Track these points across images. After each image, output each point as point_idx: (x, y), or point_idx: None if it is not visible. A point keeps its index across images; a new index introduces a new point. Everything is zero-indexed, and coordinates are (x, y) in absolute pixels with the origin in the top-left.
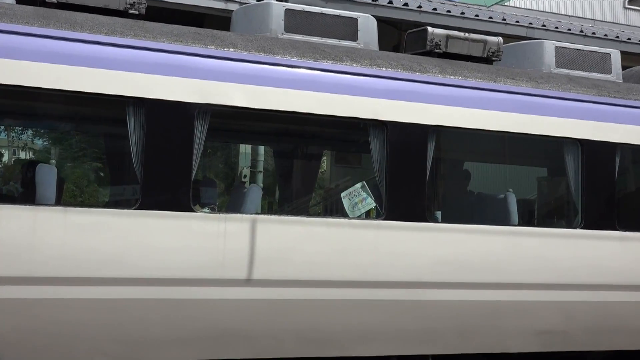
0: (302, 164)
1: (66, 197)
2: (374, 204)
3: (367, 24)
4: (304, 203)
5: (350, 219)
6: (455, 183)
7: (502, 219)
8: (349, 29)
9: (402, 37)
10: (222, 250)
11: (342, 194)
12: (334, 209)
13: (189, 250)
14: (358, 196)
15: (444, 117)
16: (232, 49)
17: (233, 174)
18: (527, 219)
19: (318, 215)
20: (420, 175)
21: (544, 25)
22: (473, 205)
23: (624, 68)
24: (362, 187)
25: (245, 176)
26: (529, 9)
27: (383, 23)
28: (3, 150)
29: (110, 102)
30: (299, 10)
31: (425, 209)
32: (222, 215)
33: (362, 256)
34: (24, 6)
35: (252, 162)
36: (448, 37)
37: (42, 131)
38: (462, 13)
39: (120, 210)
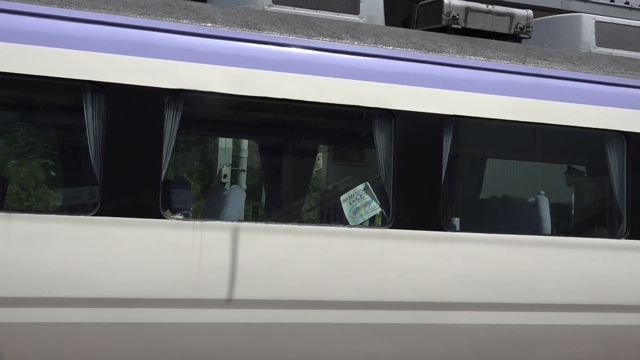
0: (293, 162)
1: (10, 201)
2: (380, 209)
3: None
4: (295, 208)
5: (351, 227)
6: (476, 184)
7: (532, 227)
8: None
9: (413, 10)
10: (198, 264)
11: (342, 198)
12: (332, 216)
13: (157, 264)
14: (360, 200)
15: (463, 105)
16: (209, 24)
17: (211, 173)
18: (562, 227)
19: (312, 222)
20: (435, 175)
21: None
22: (498, 210)
23: None
24: (365, 189)
25: (225, 176)
26: None
27: None
28: None
29: (64, 87)
30: None
31: (441, 215)
32: (197, 222)
33: (365, 272)
34: None
35: (233, 160)
36: (468, 9)
37: None
38: None
39: (74, 217)
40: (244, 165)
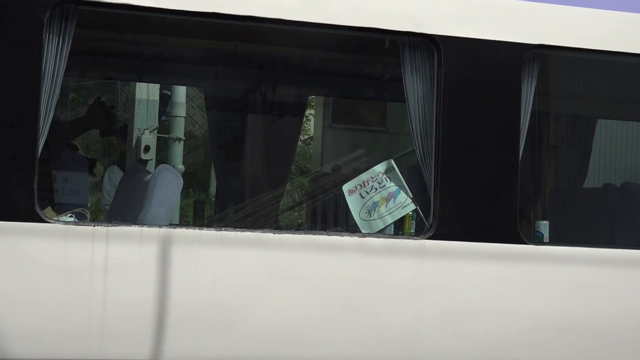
0: (266, 124)
1: None
2: (413, 206)
3: None
4: (269, 205)
5: (363, 236)
6: (578, 164)
7: None
8: None
9: None
10: (100, 299)
11: (347, 187)
12: (331, 217)
13: (25, 300)
14: (379, 190)
15: (557, 29)
16: None
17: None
18: None
19: (297, 229)
20: (508, 148)
21: None
22: (615, 208)
23: None
24: (388, 171)
25: (146, 149)
26: None
27: None
28: None
29: None
30: None
31: (518, 216)
32: (100, 228)
33: (386, 313)
34: None
35: (161, 121)
36: None
37: None
38: None
39: None
40: (180, 130)
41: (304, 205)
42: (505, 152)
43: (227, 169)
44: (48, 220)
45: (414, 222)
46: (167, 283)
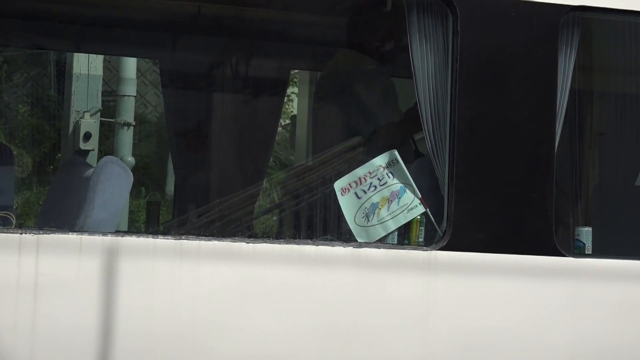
0: (237, 106)
1: None
2: (421, 209)
3: None
4: (241, 206)
5: (360, 246)
6: (630, 157)
7: None
8: None
9: None
10: (26, 325)
11: (339, 183)
12: (318, 221)
13: None
14: (380, 189)
15: None
16: None
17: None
18: None
19: (277, 236)
20: (541, 138)
21: None
22: None
23: None
24: (391, 164)
25: (87, 136)
26: None
27: None
28: None
29: None
30: None
31: (553, 222)
32: (27, 235)
33: (388, 342)
34: None
35: (105, 103)
36: None
37: None
38: None
39: None
40: (128, 113)
41: (285, 207)
42: (537, 141)
43: (189, 162)
44: None
45: (422, 228)
46: (113, 306)
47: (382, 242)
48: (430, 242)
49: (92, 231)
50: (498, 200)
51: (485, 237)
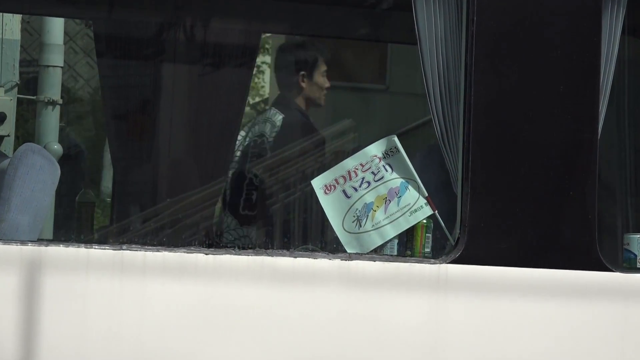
0: (193, 80)
1: None
2: (428, 211)
3: None
4: (198, 208)
5: (349, 258)
6: None
7: None
8: None
9: None
10: None
11: (321, 180)
12: (297, 227)
13: None
14: (375, 185)
15: None
16: None
17: None
18: None
19: (244, 245)
20: (580, 122)
21: None
22: None
23: None
24: (389, 154)
25: (1, 118)
26: None
27: None
28: None
29: None
30: None
31: (595, 228)
32: None
33: None
34: None
35: (24, 75)
36: None
37: None
38: None
39: None
40: (53, 89)
41: (256, 208)
42: (576, 124)
43: (131, 151)
44: None
45: (430, 235)
46: (34, 332)
47: (378, 253)
48: (439, 253)
49: (7, 239)
50: (525, 200)
51: (509, 246)
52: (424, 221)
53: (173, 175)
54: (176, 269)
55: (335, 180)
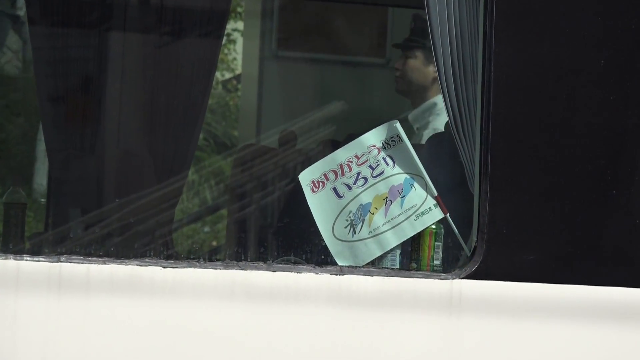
0: (149, 53)
1: None
2: (439, 214)
3: None
4: (155, 210)
5: (341, 272)
6: None
7: None
8: None
9: None
10: None
11: (308, 174)
12: (277, 234)
13: None
14: (373, 182)
15: None
16: None
17: None
18: None
19: (211, 256)
20: (623, 107)
21: None
22: None
23: None
24: (390, 144)
25: None
26: None
27: None
28: None
29: None
30: None
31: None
32: None
33: None
34: None
35: None
36: None
37: None
38: None
39: None
40: None
41: (224, 210)
42: (619, 110)
43: (71, 140)
44: None
45: (440, 244)
46: None
47: (376, 266)
48: (452, 266)
49: None
50: (557, 202)
51: (537, 258)
52: (433, 227)
53: (123, 170)
54: (127, 285)
55: (324, 175)
